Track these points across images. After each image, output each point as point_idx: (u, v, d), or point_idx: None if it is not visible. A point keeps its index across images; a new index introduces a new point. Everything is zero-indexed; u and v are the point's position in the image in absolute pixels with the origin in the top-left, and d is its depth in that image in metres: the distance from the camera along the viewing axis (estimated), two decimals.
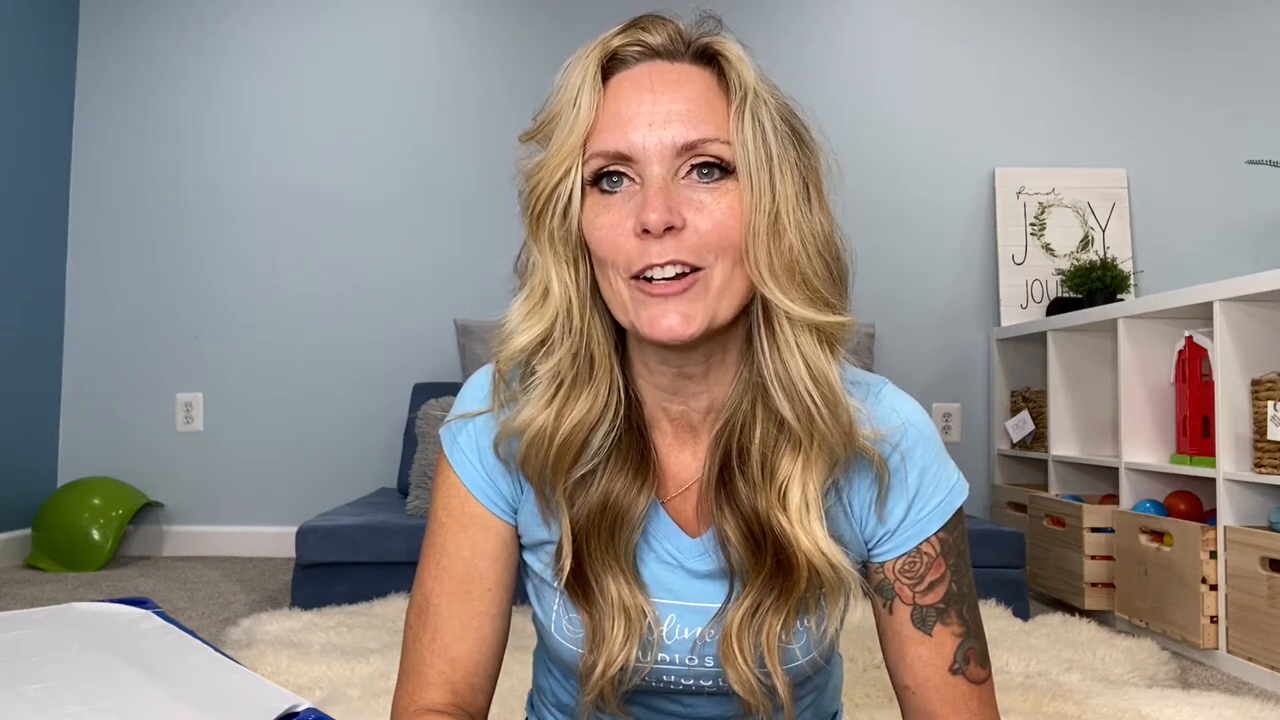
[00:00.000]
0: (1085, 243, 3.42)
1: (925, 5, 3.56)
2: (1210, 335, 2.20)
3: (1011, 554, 2.40)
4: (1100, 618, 2.44)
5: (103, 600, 1.36)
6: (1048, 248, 3.42)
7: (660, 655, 0.75)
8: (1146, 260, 3.41)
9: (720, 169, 0.68)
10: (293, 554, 2.75)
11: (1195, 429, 2.28)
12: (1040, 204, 3.45)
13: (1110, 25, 3.53)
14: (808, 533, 0.69)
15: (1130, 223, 3.44)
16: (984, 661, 0.76)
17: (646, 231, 0.66)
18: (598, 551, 0.72)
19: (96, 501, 3.19)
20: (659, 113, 0.67)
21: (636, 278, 0.67)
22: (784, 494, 0.69)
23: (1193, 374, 2.29)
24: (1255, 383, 2.10)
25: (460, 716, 0.77)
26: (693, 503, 0.76)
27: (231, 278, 3.49)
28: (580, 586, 0.74)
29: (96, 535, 3.13)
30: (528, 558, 0.80)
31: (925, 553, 0.74)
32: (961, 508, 0.77)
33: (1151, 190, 3.47)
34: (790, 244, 0.68)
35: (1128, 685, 1.82)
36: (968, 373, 3.45)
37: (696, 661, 0.76)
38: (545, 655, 0.88)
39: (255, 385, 3.47)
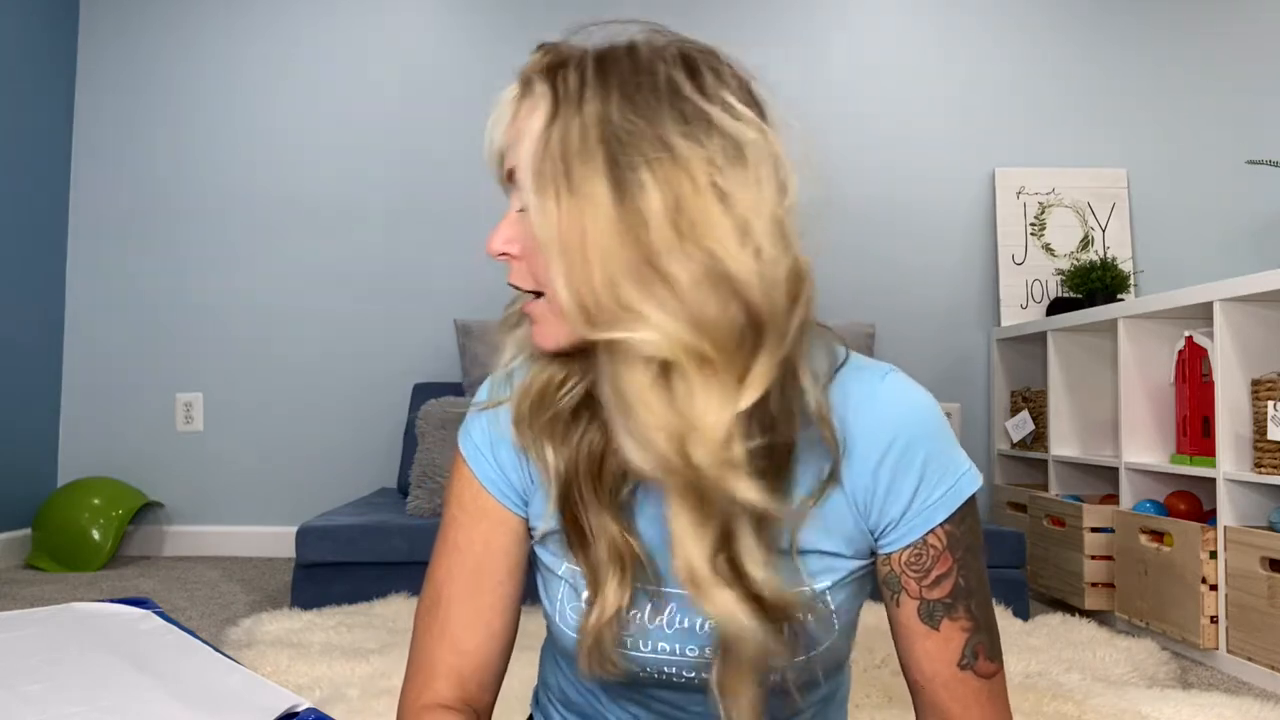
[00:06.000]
0: (1085, 243, 3.42)
1: (926, 6, 3.56)
2: (1210, 335, 2.20)
3: (1011, 554, 2.40)
4: (1100, 618, 2.44)
5: (103, 600, 1.36)
6: (1048, 248, 3.42)
7: (660, 645, 0.75)
8: (1146, 260, 3.42)
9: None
10: (293, 554, 2.75)
11: (1195, 429, 2.28)
12: (1040, 204, 3.45)
13: (1110, 26, 3.53)
14: (704, 596, 0.66)
15: (1130, 223, 3.44)
16: (994, 656, 0.75)
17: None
18: (588, 495, 0.73)
19: (96, 501, 3.19)
20: (501, 148, 0.72)
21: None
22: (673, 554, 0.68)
23: (1193, 374, 2.29)
24: (1255, 383, 2.10)
25: (468, 714, 0.77)
26: None
27: (232, 278, 3.49)
28: (576, 535, 0.74)
29: (96, 535, 3.13)
30: (538, 550, 0.81)
31: (931, 545, 0.73)
32: (972, 499, 0.75)
33: (1151, 190, 3.47)
34: (597, 267, 0.64)
35: (1128, 685, 1.82)
36: (968, 373, 3.46)
37: (696, 652, 0.75)
38: (553, 649, 0.88)
39: (255, 385, 3.47)
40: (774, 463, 0.69)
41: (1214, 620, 2.11)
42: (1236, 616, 2.06)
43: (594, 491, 0.73)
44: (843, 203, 3.52)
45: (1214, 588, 2.12)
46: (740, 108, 0.67)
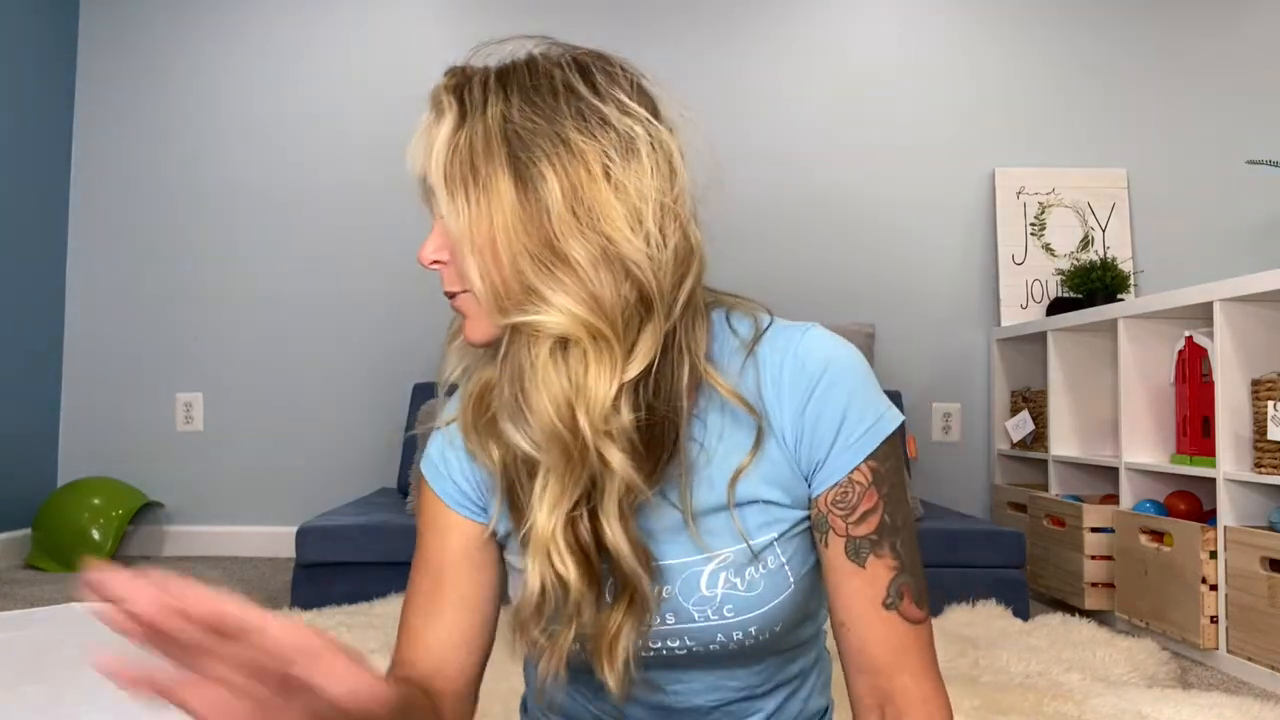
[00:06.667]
0: (1085, 243, 3.42)
1: (926, 6, 3.56)
2: (1210, 335, 2.20)
3: (1011, 554, 2.40)
4: (1100, 618, 2.44)
5: (103, 600, 1.35)
6: (1048, 248, 3.42)
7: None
8: (1146, 260, 3.41)
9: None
10: (293, 554, 2.75)
11: (1195, 429, 2.28)
12: (1040, 204, 3.45)
13: (1110, 26, 3.53)
14: (554, 554, 0.72)
15: (1130, 223, 3.44)
16: (921, 601, 0.76)
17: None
18: (525, 485, 0.77)
19: (96, 501, 3.19)
20: (419, 166, 0.77)
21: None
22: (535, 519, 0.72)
23: (1193, 374, 2.29)
24: (1255, 383, 2.10)
25: (420, 691, 0.80)
26: None
27: (232, 277, 3.49)
28: (518, 525, 0.78)
29: (96, 535, 3.13)
30: (505, 552, 0.84)
31: (857, 482, 0.75)
32: (894, 439, 0.77)
33: (1151, 190, 3.47)
34: (506, 259, 0.71)
35: (1128, 685, 1.82)
36: (968, 373, 3.45)
37: None
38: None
39: (255, 385, 3.47)
40: (656, 434, 0.73)
41: (1214, 620, 2.12)
42: (1236, 616, 2.06)
43: (530, 479, 0.76)
44: (843, 202, 3.52)
45: (1214, 588, 2.12)
46: (631, 104, 0.73)
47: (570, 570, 0.72)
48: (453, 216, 0.72)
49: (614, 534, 0.72)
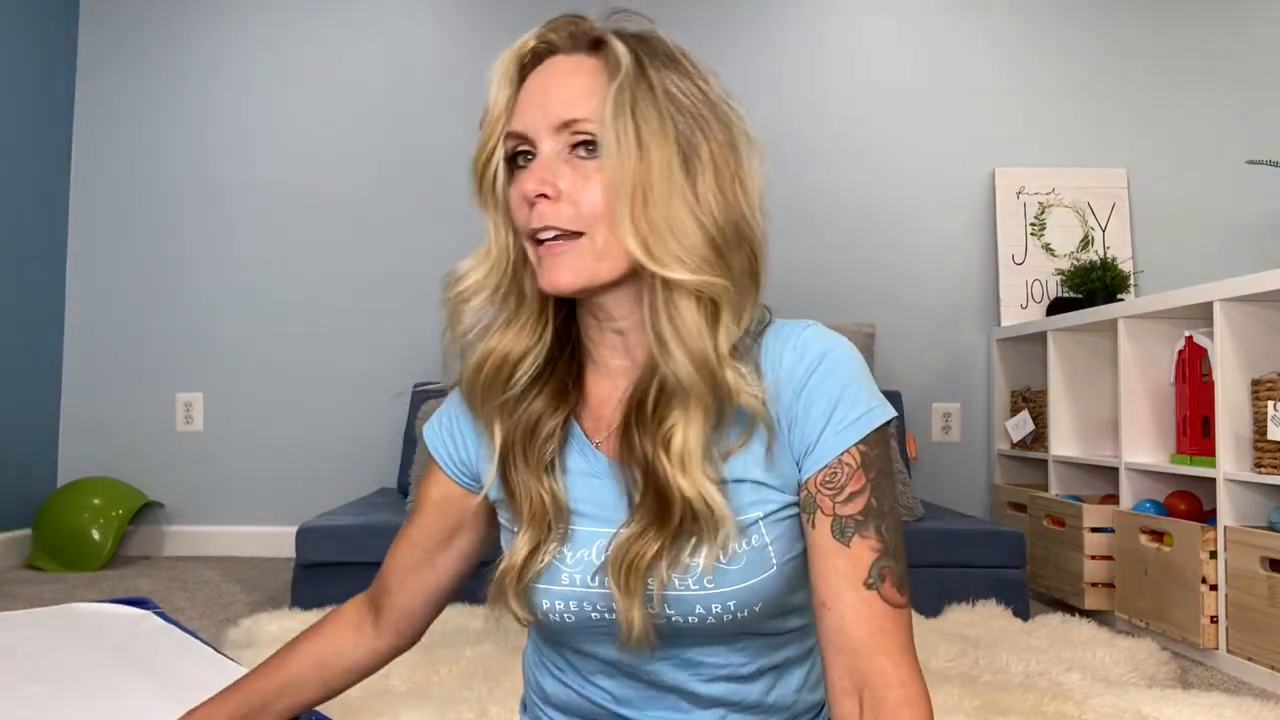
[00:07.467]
0: (1085, 243, 3.42)
1: (926, 6, 3.56)
2: (1210, 335, 2.20)
3: (1011, 554, 2.40)
4: (1100, 618, 2.44)
5: (103, 600, 1.36)
6: (1048, 248, 3.42)
7: (562, 576, 0.81)
8: (1146, 260, 3.42)
9: (600, 145, 0.77)
10: (293, 554, 2.75)
11: (1195, 429, 2.28)
12: (1040, 204, 3.45)
13: (1110, 25, 3.53)
14: (686, 474, 0.77)
15: (1130, 223, 3.44)
16: (902, 587, 0.77)
17: (531, 201, 0.78)
18: (519, 460, 0.83)
19: (96, 501, 3.19)
20: (550, 99, 0.79)
21: (532, 238, 0.80)
22: (668, 440, 0.78)
23: (1193, 374, 2.29)
24: (1255, 383, 2.10)
25: (373, 614, 0.96)
26: (614, 444, 0.84)
27: (231, 278, 3.49)
28: (510, 496, 0.84)
29: (96, 535, 3.13)
30: (499, 515, 0.89)
31: (846, 464, 0.78)
32: (884, 431, 0.80)
33: (1151, 190, 3.47)
34: (660, 214, 0.76)
35: (1128, 685, 1.82)
36: (968, 373, 3.45)
37: (595, 581, 0.81)
38: (530, 641, 0.94)
39: (255, 385, 3.47)
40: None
41: (1214, 620, 2.12)
42: (1236, 616, 2.06)
43: (524, 456, 0.82)
44: (843, 202, 3.52)
45: (1214, 588, 2.12)
46: (737, 106, 0.83)
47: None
48: (615, 162, 0.75)
49: (717, 461, 0.79)
